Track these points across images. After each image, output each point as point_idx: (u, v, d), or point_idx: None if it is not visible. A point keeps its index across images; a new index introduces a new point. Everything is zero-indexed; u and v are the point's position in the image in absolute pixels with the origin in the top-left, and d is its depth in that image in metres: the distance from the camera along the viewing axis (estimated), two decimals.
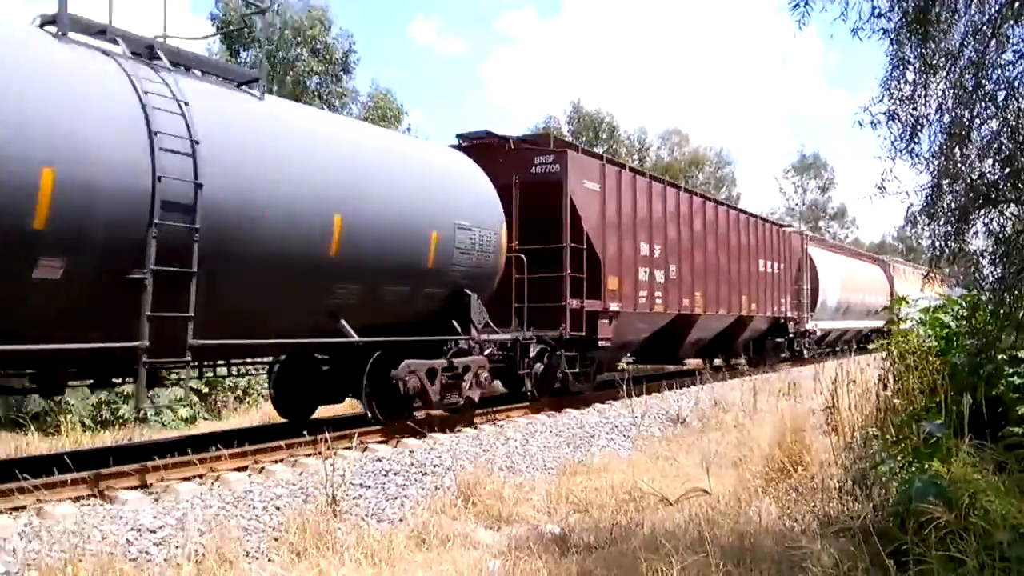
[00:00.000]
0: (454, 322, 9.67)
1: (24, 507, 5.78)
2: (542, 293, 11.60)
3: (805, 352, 23.28)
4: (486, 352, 10.31)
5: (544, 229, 11.78)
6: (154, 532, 5.42)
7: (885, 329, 28.94)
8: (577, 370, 12.29)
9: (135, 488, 6.45)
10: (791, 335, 22.06)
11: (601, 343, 12.65)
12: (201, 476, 6.90)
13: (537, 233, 11.80)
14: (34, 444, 11.29)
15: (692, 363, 19.87)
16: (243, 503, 6.13)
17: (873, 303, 30.00)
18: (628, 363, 17.91)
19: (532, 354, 11.42)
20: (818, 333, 24.63)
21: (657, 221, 14.60)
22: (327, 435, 7.71)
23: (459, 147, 12.40)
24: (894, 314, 8.07)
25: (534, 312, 11.51)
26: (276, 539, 5.59)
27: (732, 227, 18.19)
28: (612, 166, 13.61)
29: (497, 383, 11.80)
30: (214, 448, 7.59)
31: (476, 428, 9.80)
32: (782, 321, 21.30)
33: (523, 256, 11.40)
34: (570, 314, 11.80)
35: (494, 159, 11.95)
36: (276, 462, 7.57)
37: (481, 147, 12.44)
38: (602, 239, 12.68)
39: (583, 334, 12.01)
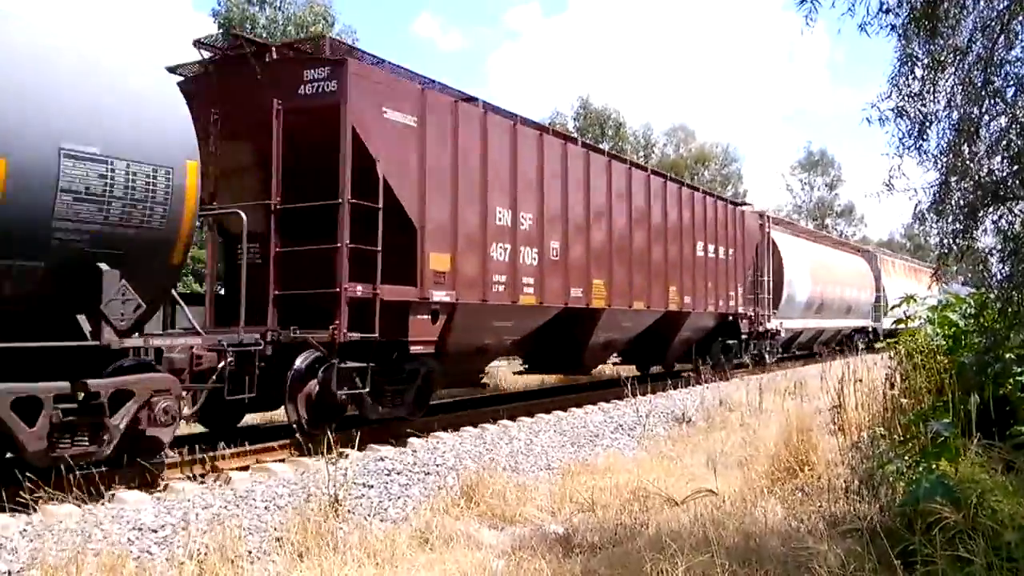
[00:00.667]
0: (81, 318, 6.10)
1: (26, 506, 5.76)
2: (314, 274, 8.08)
3: (767, 357, 19.58)
4: (209, 363, 6.97)
5: (322, 179, 8.15)
6: (155, 532, 5.39)
7: (871, 328, 28.16)
8: (368, 388, 8.35)
9: (137, 487, 6.43)
10: (745, 336, 18.31)
11: (416, 349, 8.87)
12: (203, 475, 6.89)
13: (312, 185, 8.24)
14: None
15: (623, 371, 16.85)
16: (245, 502, 6.11)
17: (855, 299, 27.10)
18: (522, 371, 14.00)
19: (299, 366, 7.98)
20: (783, 334, 21.01)
21: (528, 180, 10.64)
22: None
23: (200, 63, 8.88)
24: (903, 312, 7.98)
25: (302, 302, 8.13)
26: (278, 539, 5.57)
27: (655, 198, 14.10)
28: (444, 95, 9.56)
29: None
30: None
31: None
32: (731, 318, 17.45)
33: (242, 214, 7.63)
34: (348, 306, 8.04)
35: (250, 77, 8.44)
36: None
37: (230, 61, 8.74)
38: (419, 197, 8.86)
39: (376, 336, 8.21)
